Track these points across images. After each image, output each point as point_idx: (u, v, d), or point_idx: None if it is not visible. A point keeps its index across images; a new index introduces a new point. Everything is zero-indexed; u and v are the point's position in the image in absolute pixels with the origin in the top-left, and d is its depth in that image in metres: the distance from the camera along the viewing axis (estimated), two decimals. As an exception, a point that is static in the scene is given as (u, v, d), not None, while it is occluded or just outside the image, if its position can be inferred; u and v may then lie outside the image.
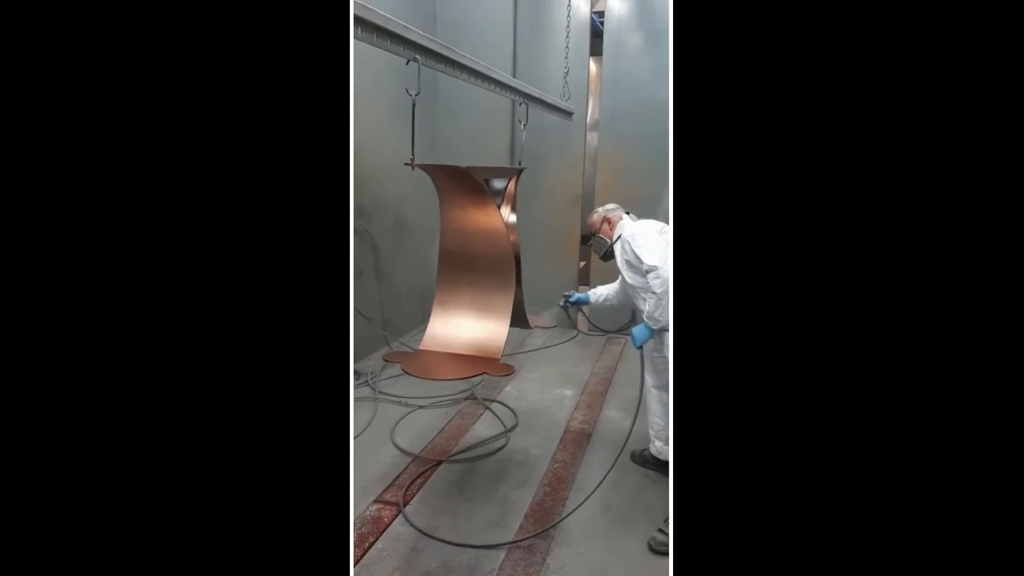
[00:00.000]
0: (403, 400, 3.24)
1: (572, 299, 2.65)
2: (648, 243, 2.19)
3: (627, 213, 2.51)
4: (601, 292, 2.68)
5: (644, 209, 4.41)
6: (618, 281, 2.63)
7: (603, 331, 4.32)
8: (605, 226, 2.47)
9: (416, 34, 1.76)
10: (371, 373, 3.56)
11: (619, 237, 2.39)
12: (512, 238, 2.22)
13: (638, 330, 2.23)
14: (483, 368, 2.01)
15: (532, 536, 2.07)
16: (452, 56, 1.98)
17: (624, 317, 3.20)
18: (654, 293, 2.12)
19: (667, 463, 2.44)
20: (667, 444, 2.44)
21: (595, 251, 2.55)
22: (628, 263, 2.32)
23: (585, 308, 2.75)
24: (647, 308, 2.18)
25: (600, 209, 2.55)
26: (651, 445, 2.52)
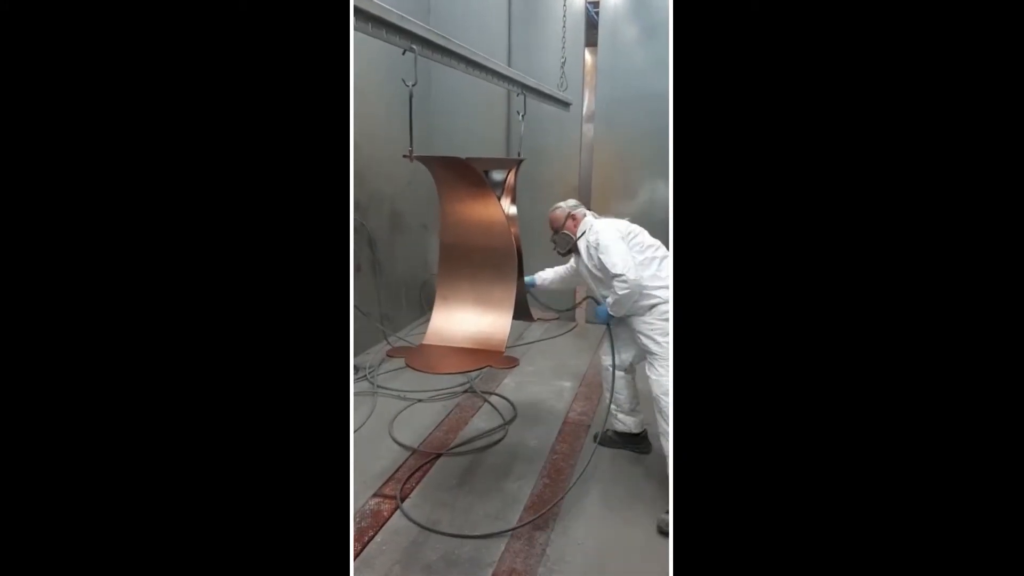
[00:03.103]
0: (402, 394, 3.24)
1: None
2: (612, 250, 2.27)
3: (589, 211, 2.55)
4: (546, 276, 2.76)
5: (642, 201, 4.44)
6: (565, 267, 2.73)
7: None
8: (570, 222, 2.50)
9: (412, 23, 1.74)
10: (369, 368, 3.55)
11: (583, 234, 2.44)
12: (513, 230, 2.21)
13: (601, 309, 2.42)
14: (487, 361, 2.00)
15: (531, 520, 2.08)
16: (449, 46, 1.96)
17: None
18: (615, 293, 2.25)
19: (634, 435, 2.63)
20: (630, 416, 2.63)
21: (557, 248, 2.56)
22: (592, 265, 2.39)
23: (535, 291, 2.79)
24: (608, 301, 2.35)
25: (563, 205, 2.56)
26: (616, 422, 2.63)
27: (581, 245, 2.44)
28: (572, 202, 2.59)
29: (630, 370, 2.59)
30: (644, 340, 2.33)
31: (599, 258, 2.31)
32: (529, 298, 2.55)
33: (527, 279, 2.67)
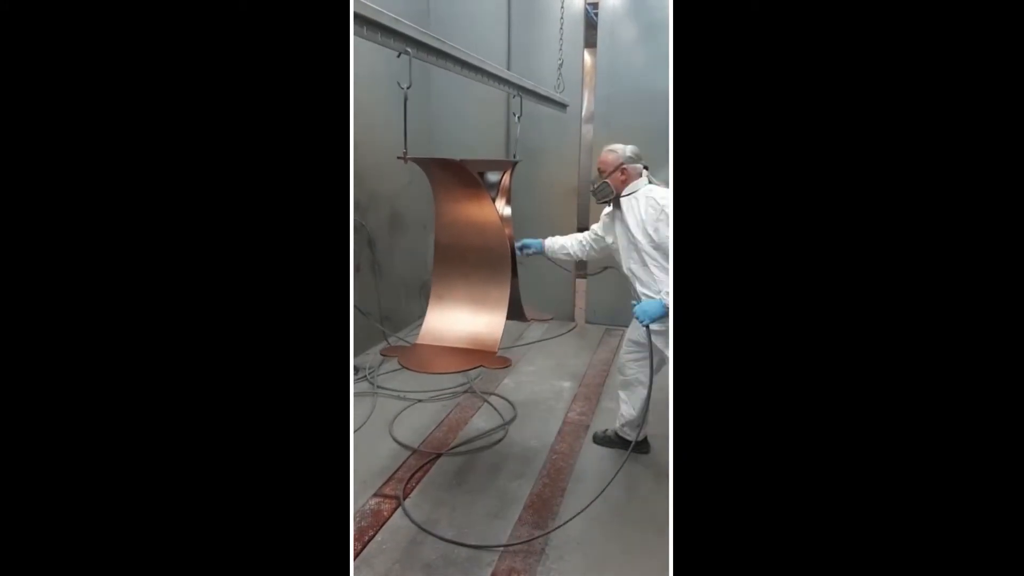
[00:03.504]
0: (402, 394, 3.25)
1: (519, 245, 2.52)
2: None
3: (645, 168, 2.34)
4: (559, 242, 2.58)
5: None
6: (587, 235, 2.56)
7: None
8: (618, 175, 2.29)
9: (407, 26, 1.75)
10: (369, 368, 3.56)
11: (632, 194, 2.28)
12: (507, 231, 2.22)
13: (651, 305, 2.12)
14: (480, 361, 2.01)
15: (528, 540, 2.08)
16: (444, 48, 1.97)
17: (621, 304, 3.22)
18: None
19: (630, 442, 2.48)
20: (635, 430, 2.46)
21: (596, 196, 2.36)
22: (646, 228, 2.20)
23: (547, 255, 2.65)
24: (663, 284, 2.15)
25: (619, 149, 2.30)
26: (620, 428, 2.57)
27: (629, 204, 2.26)
28: (631, 151, 2.30)
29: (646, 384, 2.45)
30: (666, 351, 2.26)
31: (664, 229, 2.13)
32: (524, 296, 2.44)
33: (530, 242, 2.56)
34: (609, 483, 2.07)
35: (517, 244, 2.51)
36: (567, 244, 2.60)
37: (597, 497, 2.07)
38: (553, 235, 2.68)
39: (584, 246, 2.58)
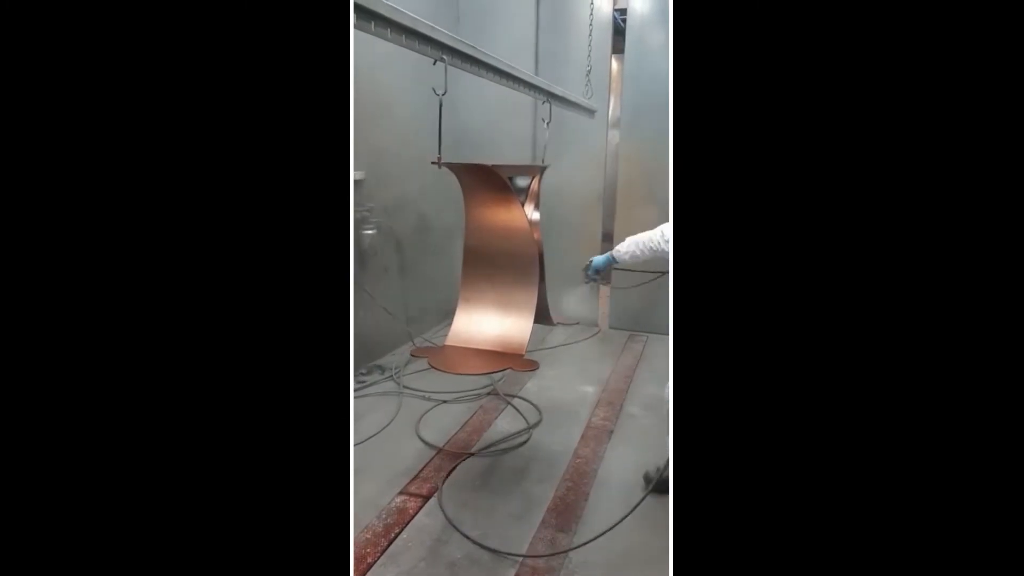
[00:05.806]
0: (427, 395, 3.29)
1: (592, 267, 2.43)
2: None
3: None
4: (622, 249, 2.37)
5: (663, 207, 4.41)
6: (651, 234, 2.32)
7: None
8: None
9: (443, 34, 1.79)
10: (395, 368, 3.61)
11: None
12: (536, 235, 2.24)
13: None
14: (508, 363, 2.03)
15: (548, 555, 2.08)
16: (479, 56, 2.01)
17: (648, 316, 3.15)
18: None
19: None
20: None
21: None
22: None
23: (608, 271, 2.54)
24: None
25: None
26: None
27: None
28: None
29: None
30: None
31: None
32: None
33: (599, 260, 2.43)
34: (632, 509, 2.00)
35: (589, 270, 2.45)
36: (632, 249, 2.38)
37: (624, 518, 1.98)
38: (577, 241, 2.67)
39: (652, 246, 2.33)
